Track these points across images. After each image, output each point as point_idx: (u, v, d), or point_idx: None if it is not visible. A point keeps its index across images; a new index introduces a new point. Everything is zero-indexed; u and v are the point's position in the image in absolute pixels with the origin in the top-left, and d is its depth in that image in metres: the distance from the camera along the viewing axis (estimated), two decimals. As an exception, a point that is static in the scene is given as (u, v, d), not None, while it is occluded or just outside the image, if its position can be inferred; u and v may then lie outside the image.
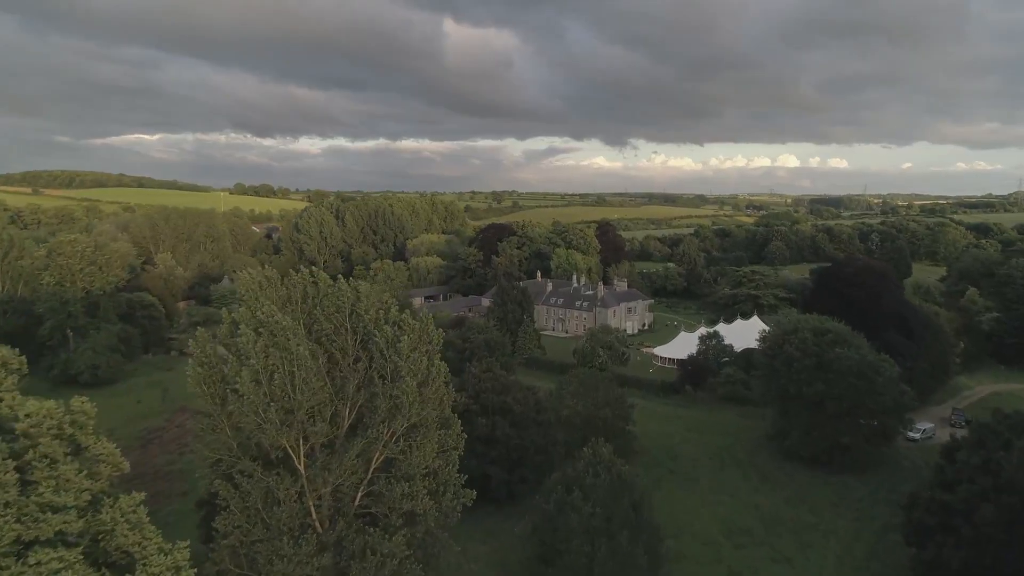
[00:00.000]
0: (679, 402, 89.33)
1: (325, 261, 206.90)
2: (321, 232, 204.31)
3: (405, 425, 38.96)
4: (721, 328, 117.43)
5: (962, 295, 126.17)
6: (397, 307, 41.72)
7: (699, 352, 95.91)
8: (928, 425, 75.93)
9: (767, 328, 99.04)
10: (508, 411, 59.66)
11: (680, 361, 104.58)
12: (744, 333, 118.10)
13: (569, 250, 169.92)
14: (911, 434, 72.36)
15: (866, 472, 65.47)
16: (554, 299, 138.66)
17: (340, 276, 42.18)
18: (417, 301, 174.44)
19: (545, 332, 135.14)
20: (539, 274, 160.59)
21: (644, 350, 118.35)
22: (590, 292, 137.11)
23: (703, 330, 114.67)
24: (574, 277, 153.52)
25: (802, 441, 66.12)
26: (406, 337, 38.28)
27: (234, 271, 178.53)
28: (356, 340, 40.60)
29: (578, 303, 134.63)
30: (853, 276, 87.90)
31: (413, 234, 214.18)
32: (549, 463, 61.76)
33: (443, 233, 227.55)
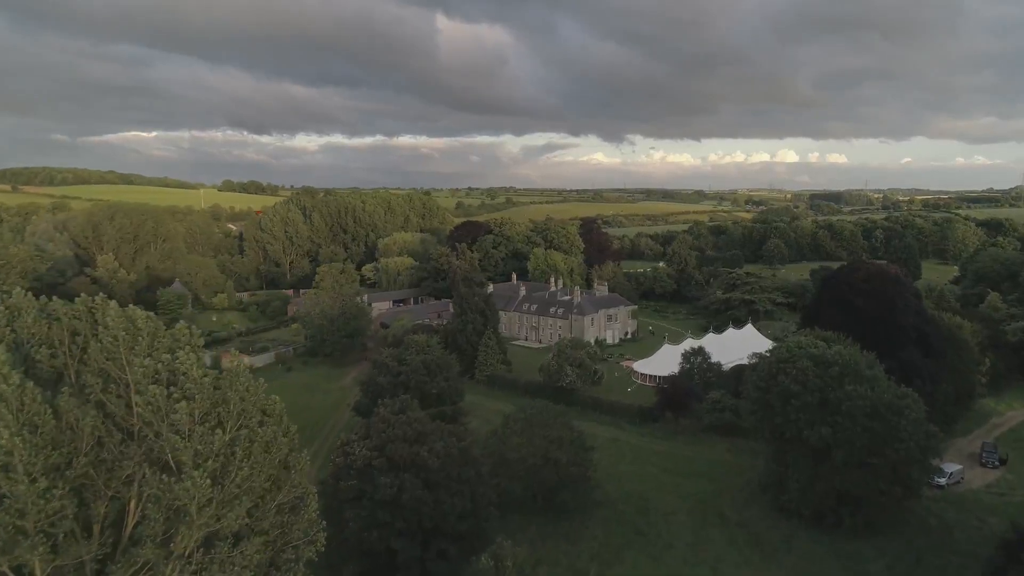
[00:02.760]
0: (657, 432, 75.81)
1: (291, 261, 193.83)
2: (286, 231, 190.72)
3: (196, 537, 25.56)
4: (710, 339, 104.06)
5: (981, 300, 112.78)
6: (199, 344, 28.16)
7: (682, 371, 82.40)
8: (955, 467, 62.50)
9: (766, 348, 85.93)
10: (422, 466, 46.18)
11: (661, 380, 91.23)
12: (737, 344, 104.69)
13: (548, 250, 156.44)
14: (937, 479, 58.89)
15: (883, 534, 52.00)
16: (527, 305, 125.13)
17: (112, 302, 28.47)
18: (383, 306, 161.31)
19: (516, 342, 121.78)
20: (514, 276, 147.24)
21: (624, 364, 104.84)
22: (566, 297, 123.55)
23: (689, 343, 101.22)
24: (552, 280, 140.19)
25: (803, 496, 52.70)
26: (184, 404, 24.71)
27: (188, 274, 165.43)
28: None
29: (552, 309, 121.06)
30: (862, 283, 74.38)
31: (386, 232, 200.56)
32: (478, 530, 48.39)
33: (421, 231, 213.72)
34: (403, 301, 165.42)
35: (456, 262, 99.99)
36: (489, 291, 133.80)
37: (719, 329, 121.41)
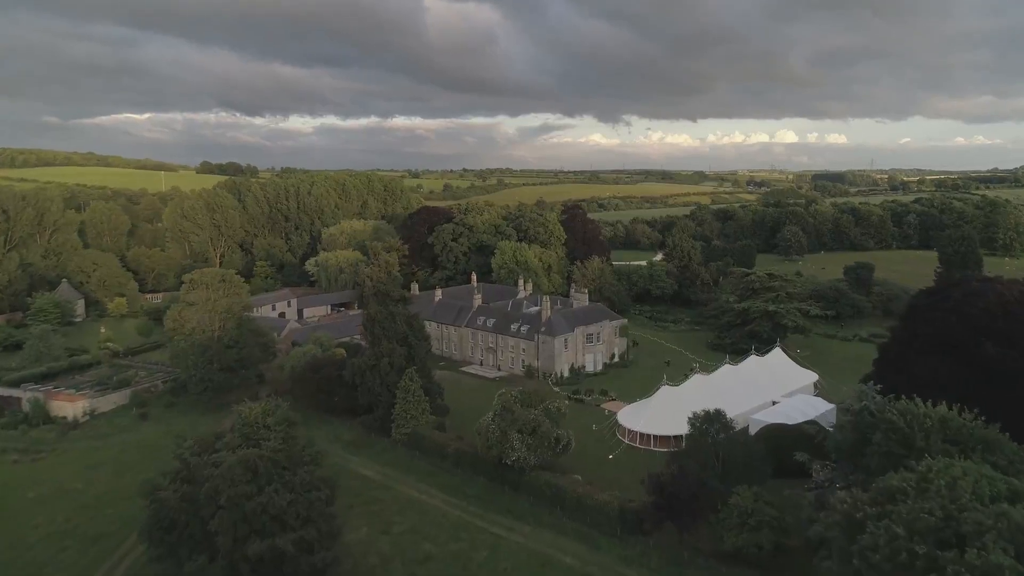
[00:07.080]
0: (650, 558, 46.67)
1: (222, 255, 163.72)
2: (213, 219, 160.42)
3: None
4: (726, 373, 74.93)
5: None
6: None
7: (690, 447, 53.14)
8: None
9: (803, 384, 57.39)
10: None
11: (657, 441, 62.32)
12: (762, 379, 75.49)
13: (519, 243, 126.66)
14: None
15: None
16: (482, 319, 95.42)
17: None
18: (319, 312, 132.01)
19: (469, 369, 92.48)
20: (473, 277, 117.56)
21: (606, 409, 75.58)
22: (534, 308, 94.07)
23: (697, 379, 72.11)
24: (520, 282, 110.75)
25: None
26: None
27: (83, 272, 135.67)
28: None
29: (515, 327, 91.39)
30: (988, 316, 45.05)
31: (335, 220, 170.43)
32: None
33: (382, 218, 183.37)
34: (344, 306, 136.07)
35: (366, 270, 70.39)
36: (436, 298, 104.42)
37: (736, 349, 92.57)
